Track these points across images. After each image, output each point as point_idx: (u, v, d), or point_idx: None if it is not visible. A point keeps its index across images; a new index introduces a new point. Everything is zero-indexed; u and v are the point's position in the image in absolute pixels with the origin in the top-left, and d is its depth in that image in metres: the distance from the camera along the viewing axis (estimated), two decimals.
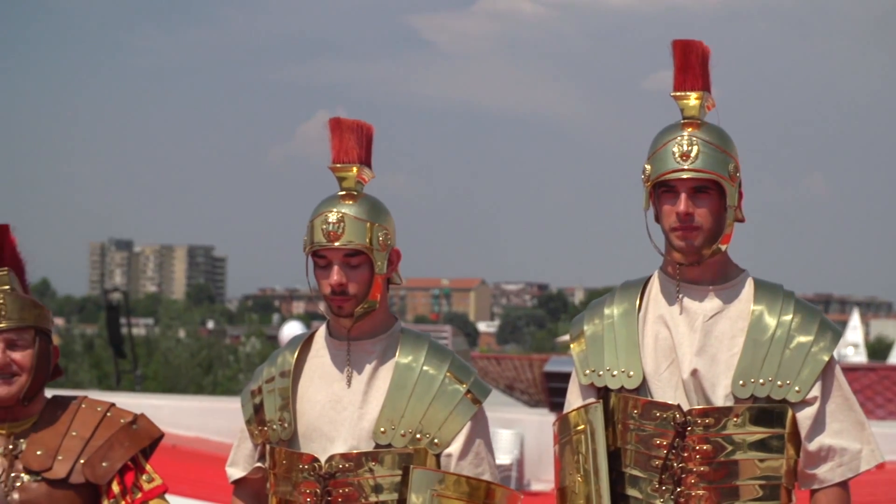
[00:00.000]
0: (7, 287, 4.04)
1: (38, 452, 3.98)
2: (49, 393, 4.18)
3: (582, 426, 4.06)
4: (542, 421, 15.33)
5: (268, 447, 4.11)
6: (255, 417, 4.15)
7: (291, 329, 19.42)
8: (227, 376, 53.41)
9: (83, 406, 4.12)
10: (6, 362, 3.96)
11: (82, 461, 3.99)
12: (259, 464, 4.17)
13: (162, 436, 4.14)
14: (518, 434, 14.26)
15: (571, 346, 4.22)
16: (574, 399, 4.19)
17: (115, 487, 4.00)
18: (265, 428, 4.10)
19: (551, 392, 18.80)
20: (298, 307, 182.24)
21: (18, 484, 3.94)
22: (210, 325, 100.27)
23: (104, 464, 3.99)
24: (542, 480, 14.67)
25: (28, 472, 3.96)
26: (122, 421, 4.10)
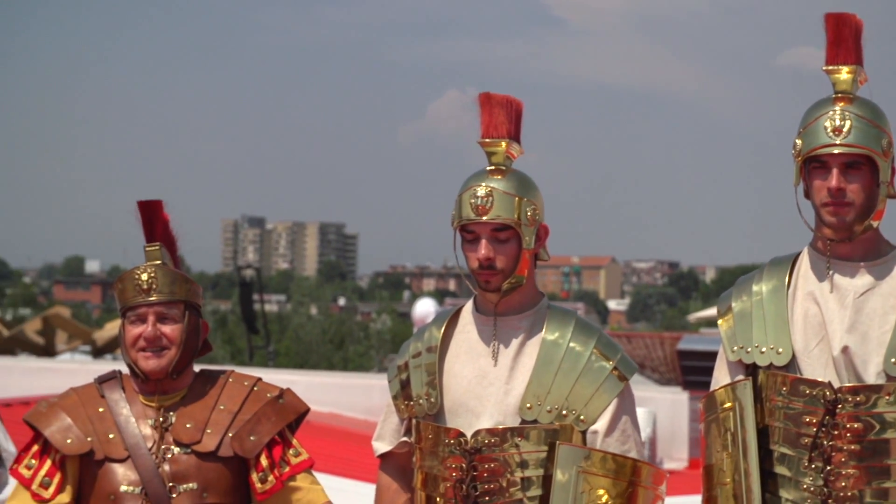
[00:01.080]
0: (158, 262, 4.09)
1: (188, 425, 4.02)
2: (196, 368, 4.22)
3: (730, 404, 4.01)
4: (674, 399, 15.22)
5: (414, 422, 4.13)
6: (402, 392, 4.17)
7: (424, 306, 19.43)
8: (358, 352, 53.80)
9: (231, 380, 4.16)
10: (156, 336, 4.01)
11: (230, 435, 4.03)
12: (405, 438, 4.19)
13: (308, 410, 4.16)
14: (650, 412, 14.15)
15: (719, 322, 4.17)
16: (721, 376, 4.14)
17: (263, 461, 4.03)
18: (411, 403, 4.12)
19: (684, 370, 18.66)
20: (429, 284, 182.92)
21: (169, 456, 3.98)
22: (341, 301, 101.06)
23: (252, 438, 4.03)
24: (675, 459, 14.58)
25: (178, 444, 4.01)
26: (268, 395, 4.13)
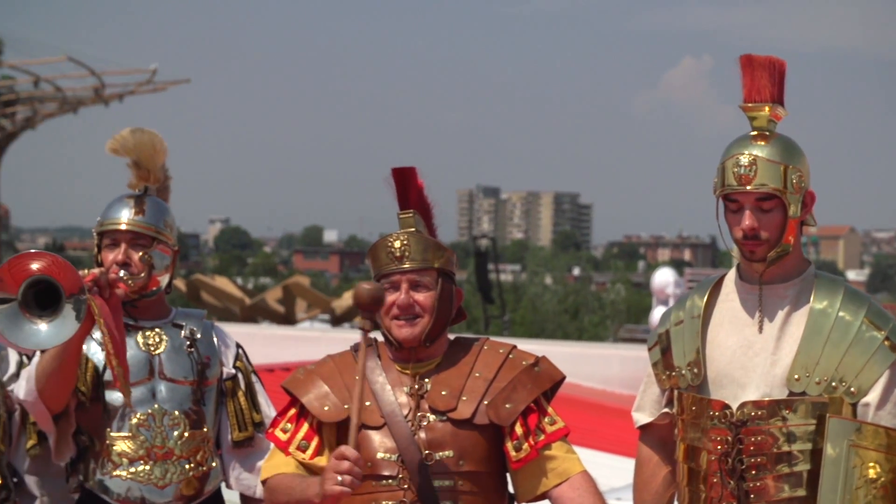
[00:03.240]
0: (412, 229, 4.06)
1: (443, 393, 3.99)
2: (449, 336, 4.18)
3: None
4: None
5: (675, 392, 4.03)
6: (663, 361, 4.08)
7: (663, 276, 19.21)
8: (593, 322, 53.69)
9: (485, 348, 4.11)
10: (409, 303, 3.98)
11: (486, 402, 3.98)
12: (666, 409, 4.10)
13: (563, 378, 4.09)
14: None
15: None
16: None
17: (519, 429, 3.97)
18: (673, 373, 4.03)
19: None
20: (664, 254, 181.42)
21: (425, 423, 3.96)
22: (576, 271, 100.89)
23: (507, 405, 3.97)
24: None
25: (433, 412, 3.98)
26: (523, 363, 4.07)
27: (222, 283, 42.50)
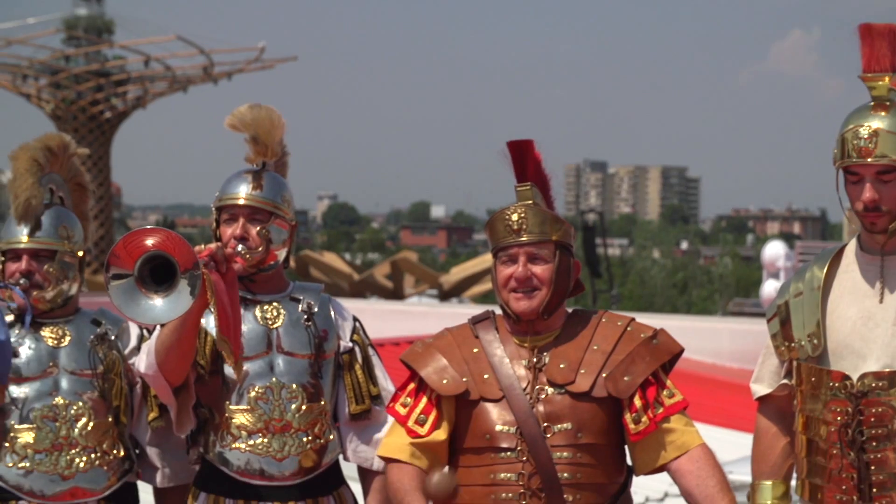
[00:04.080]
0: (530, 202, 4.06)
1: (561, 366, 3.99)
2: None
3: None
4: None
5: (794, 363, 4.01)
6: (782, 332, 4.06)
7: (774, 249, 19.08)
8: (701, 296, 53.40)
9: (604, 320, 4.11)
10: (527, 276, 3.98)
11: (604, 375, 3.98)
12: (785, 381, 4.08)
13: (682, 351, 4.08)
14: None
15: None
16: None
17: (637, 402, 3.97)
18: (792, 344, 4.00)
19: None
20: (773, 227, 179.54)
21: (543, 396, 3.96)
22: (684, 245, 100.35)
23: (626, 378, 3.97)
24: None
25: (552, 384, 3.98)
26: (642, 336, 4.06)
27: (331, 258, 42.85)
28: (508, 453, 3.93)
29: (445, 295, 40.08)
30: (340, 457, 4.54)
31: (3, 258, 4.41)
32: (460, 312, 22.83)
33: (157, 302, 3.88)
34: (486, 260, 41.08)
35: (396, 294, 38.59)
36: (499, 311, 4.14)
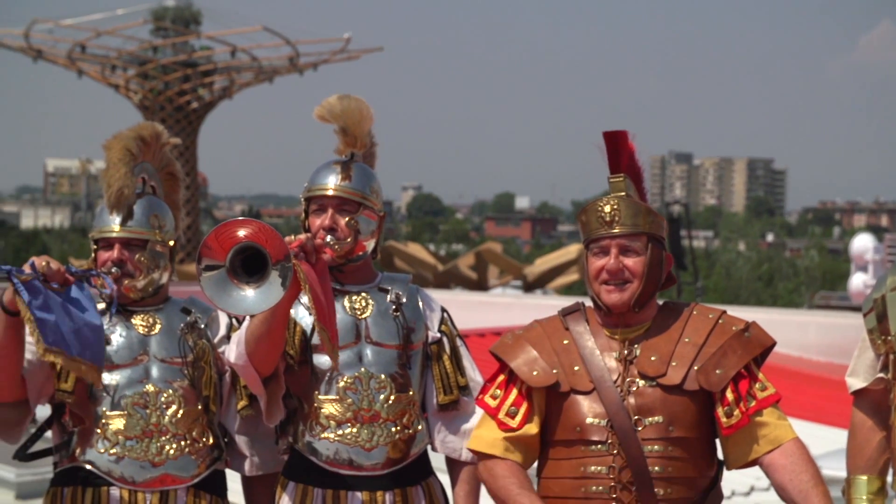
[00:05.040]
0: (622, 193, 4.04)
1: (653, 358, 3.96)
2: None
3: None
4: None
5: (891, 357, 3.97)
6: (878, 327, 4.02)
7: (862, 241, 18.83)
8: (787, 289, 52.87)
9: (695, 313, 4.08)
10: (618, 268, 3.97)
11: (696, 368, 3.95)
12: (881, 374, 4.03)
13: (774, 344, 4.04)
14: None
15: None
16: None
17: (729, 395, 3.93)
18: (888, 338, 3.96)
19: None
20: (860, 220, 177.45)
21: (634, 389, 3.95)
22: (769, 237, 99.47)
23: (718, 371, 3.93)
24: None
25: (643, 377, 3.96)
26: (733, 328, 4.02)
27: (415, 249, 42.91)
28: (599, 446, 3.91)
29: (529, 286, 40.01)
30: (429, 447, 4.54)
31: (95, 247, 4.45)
32: (544, 304, 22.79)
33: (249, 293, 3.89)
34: (570, 251, 41.00)
35: (480, 285, 38.58)
36: (589, 303, 4.12)
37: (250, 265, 3.90)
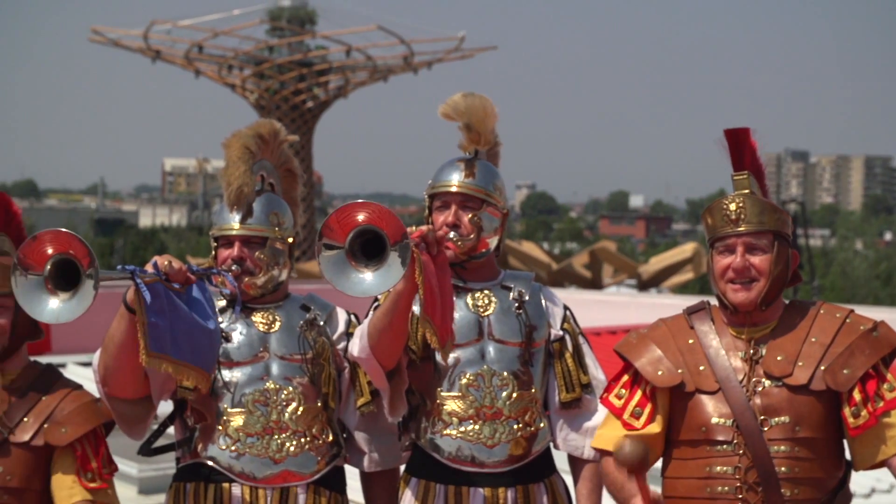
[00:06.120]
0: (747, 191, 4.00)
1: (779, 358, 3.91)
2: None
3: None
4: None
5: None
6: None
7: None
8: None
9: (821, 311, 4.03)
10: (745, 267, 3.94)
11: (823, 368, 3.89)
12: None
13: None
14: None
15: None
16: None
17: (857, 395, 3.87)
18: None
19: None
20: None
21: (760, 389, 3.90)
22: (887, 236, 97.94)
23: (845, 371, 3.87)
24: None
25: (769, 377, 3.92)
26: (861, 328, 3.97)
27: (529, 247, 42.86)
28: (725, 446, 3.87)
29: (644, 285, 39.79)
30: (550, 445, 4.52)
31: (215, 244, 4.48)
32: (659, 303, 22.62)
33: (367, 276, 3.89)
34: (685, 250, 40.70)
35: (595, 284, 38.43)
36: (714, 302, 4.07)
37: (369, 248, 3.90)
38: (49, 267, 3.62)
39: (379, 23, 44.26)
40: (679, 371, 3.95)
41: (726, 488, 3.86)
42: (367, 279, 3.88)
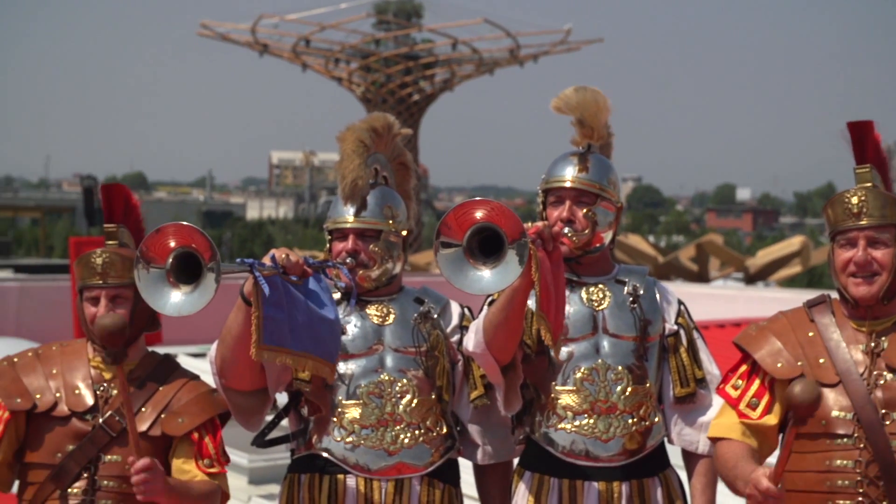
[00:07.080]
0: (869, 184, 3.99)
1: None
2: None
3: None
4: None
5: None
6: None
7: None
8: None
9: None
10: (867, 261, 3.91)
11: None
12: None
13: None
14: None
15: None
16: None
17: None
18: None
19: None
20: None
21: (881, 382, 3.88)
22: None
23: None
24: None
25: (890, 370, 3.89)
26: None
27: (635, 240, 42.60)
28: (845, 440, 3.84)
29: (751, 278, 39.39)
30: (665, 440, 4.50)
31: (330, 238, 4.51)
32: (767, 296, 22.39)
33: (485, 273, 3.89)
34: (792, 243, 40.21)
35: (701, 277, 38.12)
36: (835, 295, 4.03)
37: (487, 246, 3.90)
38: (171, 260, 3.66)
39: (485, 16, 44.29)
40: (799, 363, 3.93)
41: (846, 482, 3.82)
42: (485, 277, 3.89)
